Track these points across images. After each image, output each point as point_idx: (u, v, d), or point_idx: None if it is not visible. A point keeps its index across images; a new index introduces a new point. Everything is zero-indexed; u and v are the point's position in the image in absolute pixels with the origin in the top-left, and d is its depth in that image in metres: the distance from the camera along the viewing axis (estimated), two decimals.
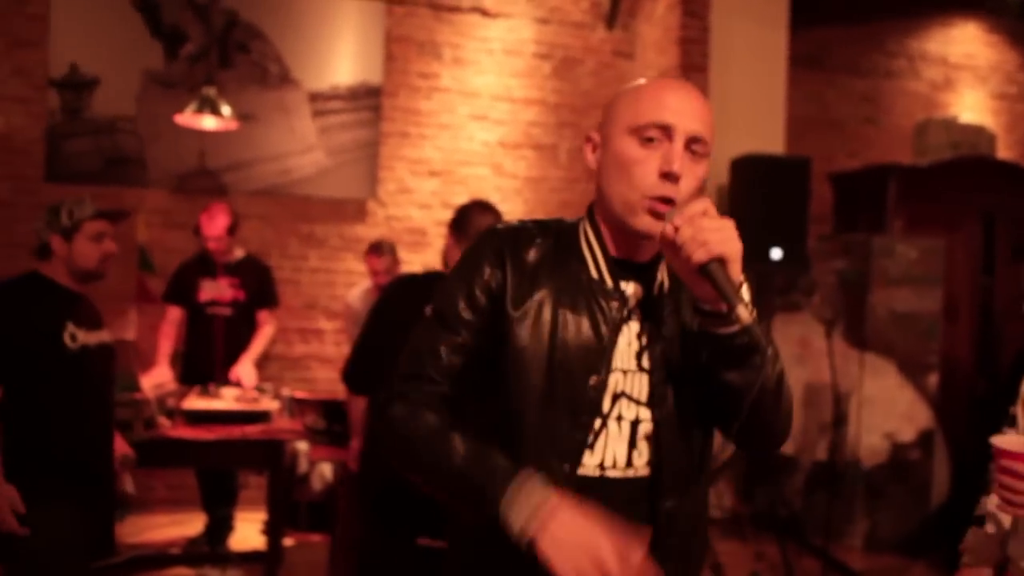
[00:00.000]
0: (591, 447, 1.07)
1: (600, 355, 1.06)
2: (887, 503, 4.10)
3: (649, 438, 1.08)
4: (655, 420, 1.07)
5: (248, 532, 3.78)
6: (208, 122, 3.93)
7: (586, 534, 0.92)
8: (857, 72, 5.81)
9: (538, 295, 1.08)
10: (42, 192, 4.24)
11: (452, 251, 2.36)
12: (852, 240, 4.39)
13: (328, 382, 4.47)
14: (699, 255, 0.93)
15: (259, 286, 3.65)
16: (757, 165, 4.15)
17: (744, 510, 4.14)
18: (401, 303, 2.29)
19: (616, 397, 1.07)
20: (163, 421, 2.95)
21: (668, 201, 1.02)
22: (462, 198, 4.91)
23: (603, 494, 1.04)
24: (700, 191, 1.07)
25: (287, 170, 4.58)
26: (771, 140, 4.55)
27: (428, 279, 2.32)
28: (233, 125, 4.03)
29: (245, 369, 3.51)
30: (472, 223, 2.31)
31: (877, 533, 4.09)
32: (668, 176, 1.02)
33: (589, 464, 1.07)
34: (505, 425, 1.09)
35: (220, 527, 3.66)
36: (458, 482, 1.01)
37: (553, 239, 1.13)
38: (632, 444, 1.07)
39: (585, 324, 1.07)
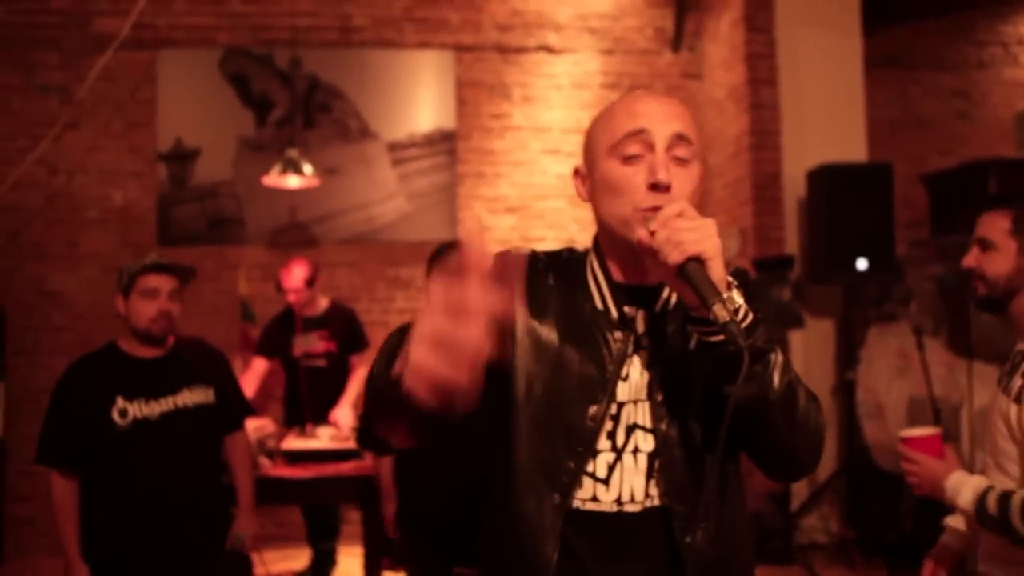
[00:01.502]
0: (607, 482, 1.02)
1: (602, 387, 1.03)
2: None
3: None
4: (659, 448, 1.02)
5: (351, 566, 3.94)
6: (292, 181, 4.22)
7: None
8: (943, 66, 5.54)
9: (545, 324, 1.06)
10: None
11: None
12: (948, 243, 4.16)
13: None
14: (674, 256, 0.90)
15: (348, 333, 3.81)
16: (835, 174, 4.03)
17: (850, 535, 3.94)
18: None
19: (631, 429, 1.03)
20: (264, 461, 3.16)
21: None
22: (540, 232, 5.02)
23: (623, 530, 1.01)
24: (696, 195, 1.03)
25: (371, 218, 4.83)
26: (853, 147, 4.41)
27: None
28: (315, 182, 4.31)
29: (343, 412, 3.67)
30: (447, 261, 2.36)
31: None
32: (656, 187, 0.99)
33: (606, 500, 1.02)
34: (501, 448, 1.07)
35: (324, 561, 3.84)
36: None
37: (563, 269, 1.11)
38: (649, 476, 1.03)
39: (588, 356, 1.04)
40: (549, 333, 1.06)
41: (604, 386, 1.03)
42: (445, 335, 0.69)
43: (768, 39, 4.46)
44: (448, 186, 4.90)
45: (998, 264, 1.56)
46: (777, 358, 0.96)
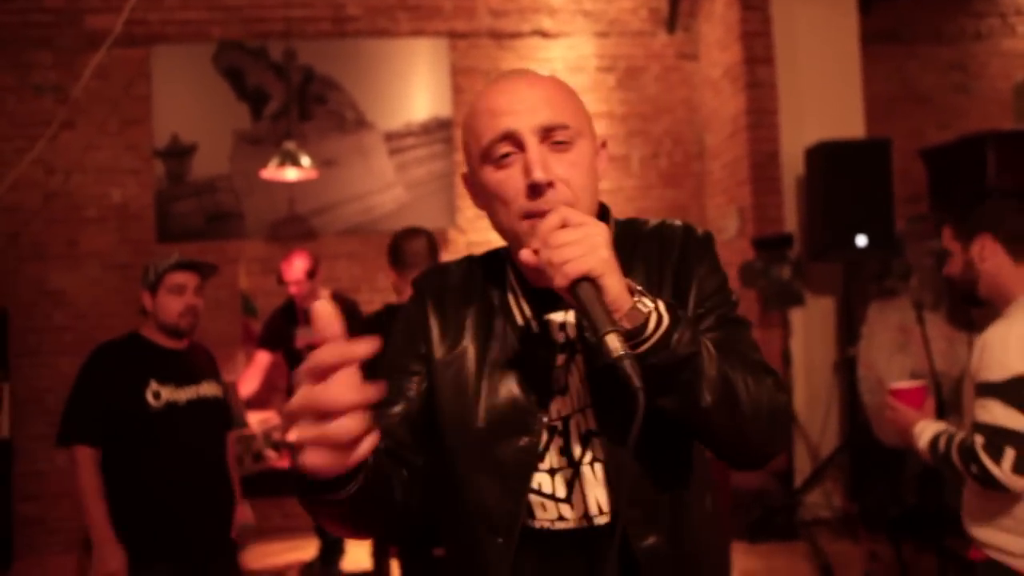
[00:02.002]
0: (569, 501, 0.95)
1: (531, 413, 0.95)
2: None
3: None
4: (608, 454, 0.94)
5: (359, 555, 3.98)
6: (290, 173, 4.22)
7: None
8: (941, 39, 5.50)
9: (463, 346, 0.99)
10: (156, 253, 4.66)
11: (396, 282, 2.45)
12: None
13: None
14: (558, 280, 0.81)
15: (350, 325, 3.82)
16: (833, 151, 4.02)
17: (853, 509, 3.96)
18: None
19: (586, 439, 0.95)
20: (270, 453, 3.18)
21: (543, 213, 0.88)
22: None
23: (596, 545, 0.94)
24: (592, 174, 0.94)
25: (369, 208, 4.83)
26: (851, 124, 4.39)
27: (387, 313, 2.38)
28: (313, 174, 4.31)
29: None
30: (404, 250, 2.41)
31: None
32: (534, 188, 0.89)
33: (572, 517, 0.95)
34: (446, 492, 1.00)
35: (332, 550, 3.87)
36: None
37: (480, 281, 1.03)
38: (609, 484, 0.95)
39: (512, 379, 0.96)
40: (467, 366, 0.98)
41: (533, 411, 0.95)
42: (319, 439, 0.69)
43: (763, 17, 4.44)
44: (446, 174, 4.89)
45: (954, 266, 1.80)
46: (704, 361, 0.85)
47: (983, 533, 1.69)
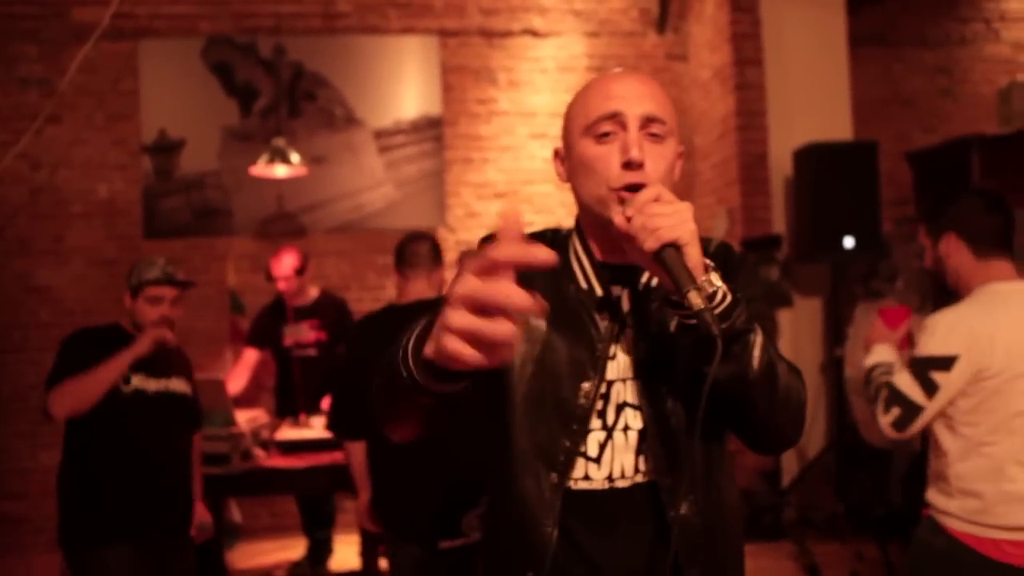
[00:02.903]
0: (598, 461, 1.04)
1: (592, 366, 1.04)
2: None
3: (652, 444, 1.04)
4: (647, 425, 1.04)
5: (347, 554, 3.97)
6: (280, 170, 4.20)
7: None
8: (927, 43, 5.56)
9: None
10: (143, 249, 4.63)
11: (400, 283, 2.49)
12: None
13: None
14: (650, 243, 0.90)
15: (339, 323, 3.80)
16: (821, 153, 4.06)
17: (840, 509, 4.00)
18: (368, 342, 2.30)
19: (620, 408, 1.05)
20: (258, 452, 3.16)
21: (635, 188, 0.98)
22: (528, 217, 5.02)
23: (615, 506, 1.03)
24: (672, 172, 1.05)
25: (359, 206, 4.81)
26: (838, 126, 4.43)
27: (387, 314, 2.41)
28: (303, 171, 4.29)
29: None
30: (407, 252, 2.44)
31: None
32: (629, 164, 1.00)
33: (597, 477, 1.04)
34: (497, 434, 1.08)
35: (320, 549, 3.86)
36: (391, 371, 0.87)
37: (550, 245, 1.08)
38: (639, 452, 1.04)
39: (577, 337, 1.05)
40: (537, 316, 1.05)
41: (594, 365, 1.04)
42: (480, 332, 0.66)
43: (753, 19, 4.47)
44: (435, 172, 4.88)
45: (928, 260, 1.95)
46: (756, 338, 0.96)
47: (928, 491, 1.86)
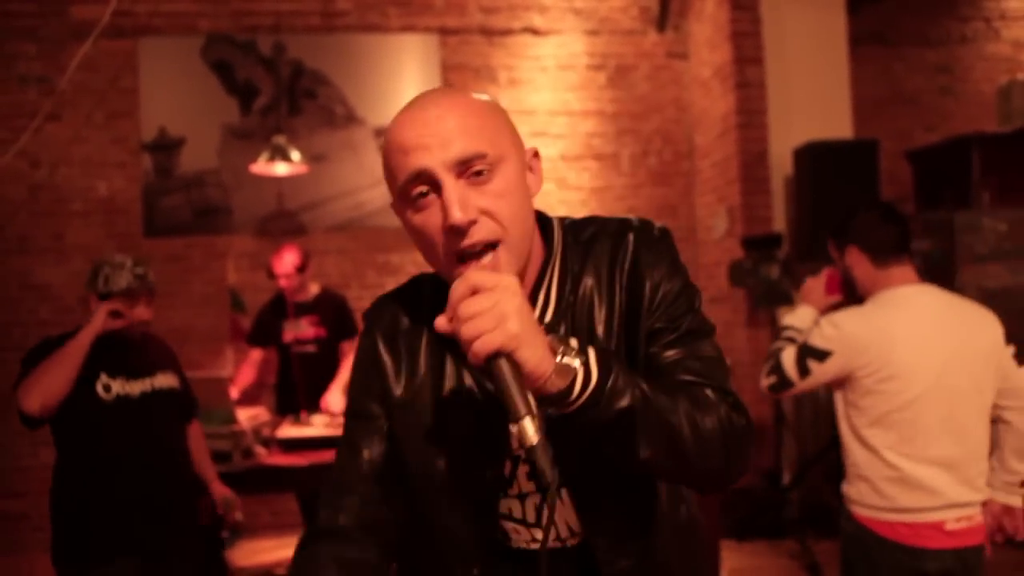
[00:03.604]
0: (539, 525, 0.97)
1: (492, 445, 0.93)
2: None
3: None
4: (567, 482, 0.92)
5: None
6: (280, 168, 4.20)
7: None
8: (927, 42, 5.56)
9: (419, 382, 0.96)
10: (143, 247, 4.62)
11: None
12: (933, 219, 4.20)
13: None
14: (471, 358, 0.75)
15: (338, 319, 3.81)
16: (820, 152, 4.06)
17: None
18: None
19: (553, 464, 0.93)
20: (259, 450, 3.16)
21: (467, 255, 0.85)
22: None
23: (571, 563, 0.97)
24: (519, 195, 0.88)
25: (359, 204, 4.81)
26: (838, 125, 4.43)
27: None
28: (303, 169, 4.29)
29: (334, 398, 3.67)
30: None
31: None
32: (454, 230, 0.83)
33: (545, 539, 0.95)
34: (416, 533, 1.00)
35: None
36: None
37: (429, 307, 0.98)
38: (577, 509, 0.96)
39: (470, 412, 0.93)
40: (424, 404, 0.96)
41: (495, 443, 0.93)
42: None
43: (753, 17, 4.46)
44: None
45: (840, 271, 2.15)
46: (640, 413, 0.80)
47: (842, 482, 2.04)
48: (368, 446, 0.98)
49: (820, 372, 1.95)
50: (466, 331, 0.74)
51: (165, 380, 2.25)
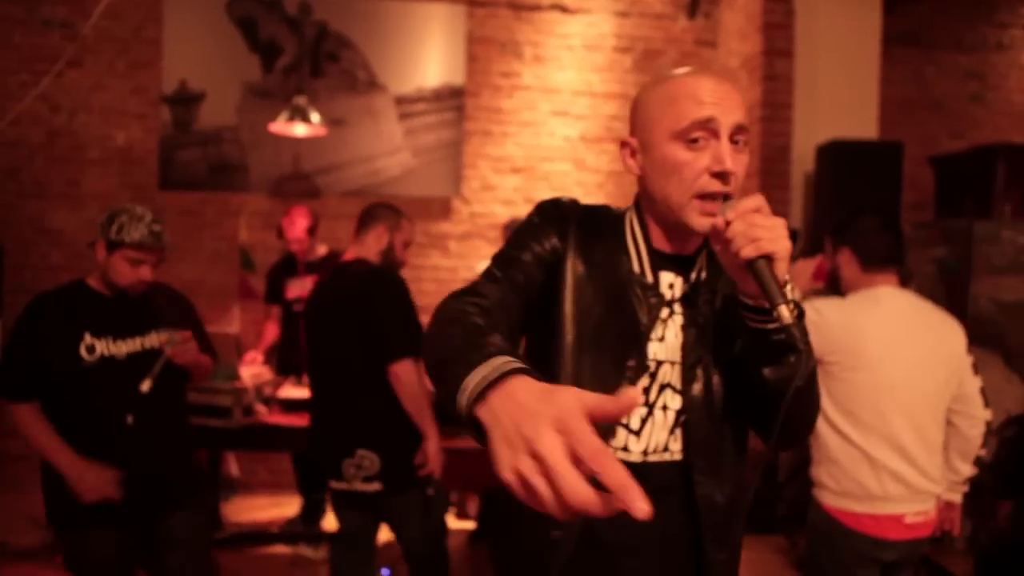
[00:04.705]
0: (638, 434, 1.10)
1: (635, 344, 1.09)
2: (994, 504, 3.86)
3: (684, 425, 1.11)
4: (685, 406, 1.10)
5: None
6: (299, 129, 4.18)
7: (529, 412, 0.64)
8: (961, 47, 5.46)
9: (591, 275, 1.11)
10: (157, 199, 4.63)
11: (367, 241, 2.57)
12: (952, 226, 4.15)
13: None
14: (748, 251, 0.94)
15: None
16: (845, 151, 4.00)
17: None
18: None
19: (663, 388, 1.11)
20: (260, 408, 3.18)
21: (721, 197, 1.03)
22: (544, 194, 4.98)
23: (646, 478, 1.00)
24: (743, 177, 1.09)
25: (375, 171, 4.79)
26: (864, 125, 4.37)
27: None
28: (322, 131, 4.27)
29: None
30: (375, 215, 2.58)
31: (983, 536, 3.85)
32: (722, 176, 1.03)
33: (635, 450, 1.10)
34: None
35: (314, 509, 3.90)
36: (446, 366, 0.81)
37: (601, 226, 1.15)
38: (672, 432, 1.11)
39: (625, 314, 1.10)
40: (593, 285, 1.11)
41: (637, 344, 1.09)
42: (563, 482, 0.60)
43: (787, 9, 4.39)
44: (454, 143, 4.85)
45: (829, 267, 2.25)
46: (808, 350, 1.03)
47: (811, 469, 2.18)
48: (527, 270, 1.11)
49: None
50: (751, 231, 0.94)
51: (160, 339, 2.10)
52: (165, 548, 2.15)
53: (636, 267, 1.12)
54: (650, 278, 1.11)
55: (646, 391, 1.10)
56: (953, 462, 2.12)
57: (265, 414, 3.18)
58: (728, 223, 0.97)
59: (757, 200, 0.97)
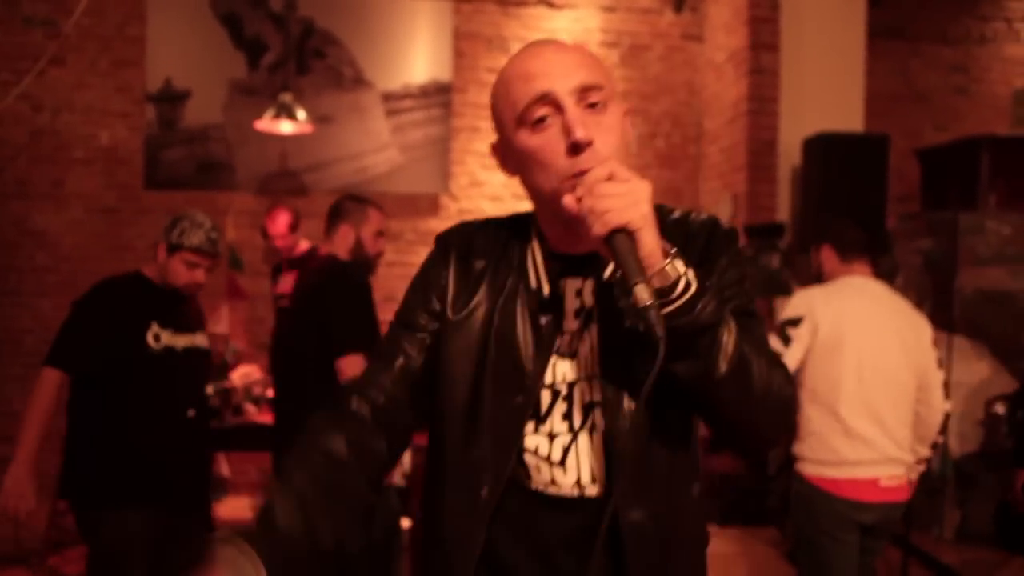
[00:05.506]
0: (563, 464, 0.97)
1: (529, 373, 0.96)
2: (980, 494, 3.91)
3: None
4: (609, 426, 0.95)
5: None
6: (285, 127, 4.16)
7: None
8: (945, 40, 5.50)
9: (474, 308, 1.00)
10: (143, 199, 4.60)
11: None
12: (937, 218, 4.19)
13: None
14: (597, 228, 0.82)
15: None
16: (831, 144, 4.02)
17: None
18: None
19: (588, 408, 0.97)
20: (249, 408, 3.17)
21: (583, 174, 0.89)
22: None
23: (586, 514, 0.96)
24: (624, 137, 0.94)
25: (363, 168, 4.77)
26: (850, 117, 4.39)
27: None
28: (309, 129, 4.25)
29: None
30: (340, 211, 2.56)
31: (969, 525, 3.90)
32: (576, 148, 0.89)
33: (564, 484, 0.96)
34: (432, 449, 1.03)
35: None
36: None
37: (506, 240, 1.03)
38: (607, 455, 0.96)
39: (516, 341, 0.97)
40: (475, 324, 1.00)
41: (533, 372, 0.96)
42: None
43: (772, 3, 4.40)
44: (442, 139, 4.84)
45: (813, 260, 2.54)
46: (724, 333, 0.86)
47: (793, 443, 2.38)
48: (408, 353, 1.03)
49: (798, 337, 2.28)
50: (600, 203, 0.82)
51: (202, 340, 2.34)
52: (174, 549, 2.21)
53: (533, 282, 0.99)
54: (547, 290, 0.98)
55: (566, 416, 0.97)
56: (913, 444, 2.32)
57: (254, 414, 3.18)
58: (579, 200, 0.84)
59: (606, 168, 0.84)
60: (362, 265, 2.51)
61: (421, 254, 4.33)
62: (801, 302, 2.34)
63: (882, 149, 4.03)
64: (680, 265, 0.84)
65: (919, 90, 5.45)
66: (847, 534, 2.26)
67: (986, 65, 5.57)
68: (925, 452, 2.35)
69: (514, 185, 4.55)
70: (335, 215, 2.56)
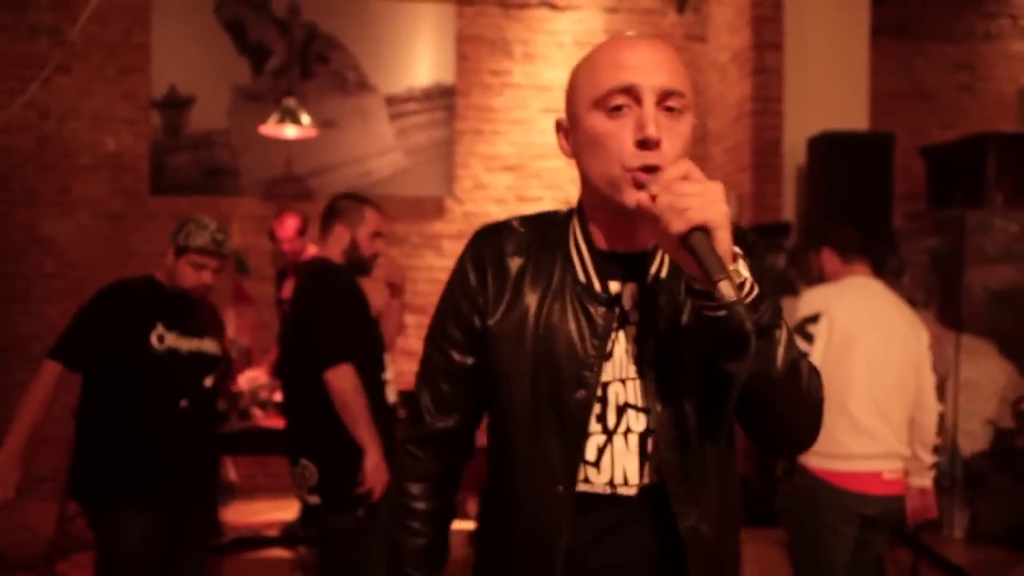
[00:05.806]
0: (597, 465, 0.98)
1: (587, 368, 0.97)
2: (990, 493, 3.88)
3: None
4: (653, 428, 0.96)
5: None
6: (289, 131, 4.17)
7: None
8: (950, 38, 5.48)
9: (521, 307, 1.00)
10: (148, 204, 4.61)
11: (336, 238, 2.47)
12: (944, 216, 4.17)
13: (411, 375, 4.64)
14: (677, 225, 0.82)
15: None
16: (836, 142, 4.01)
17: None
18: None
19: (621, 409, 0.98)
20: (256, 412, 3.18)
21: (652, 170, 0.89)
22: (537, 192, 4.99)
23: (618, 512, 0.98)
24: (687, 150, 0.95)
25: (367, 172, 4.78)
26: (855, 116, 4.37)
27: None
28: (313, 133, 4.26)
29: None
30: (335, 211, 2.48)
31: (980, 525, 3.88)
32: (645, 143, 0.90)
33: (597, 482, 0.98)
34: (499, 448, 1.04)
35: (314, 513, 3.89)
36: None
37: (542, 237, 1.04)
38: (643, 456, 0.97)
39: (570, 336, 0.98)
40: (527, 321, 1.00)
41: (590, 367, 0.97)
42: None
43: (775, 2, 4.39)
44: (446, 142, 4.84)
45: (814, 263, 2.60)
46: (782, 334, 0.90)
47: None
48: (464, 362, 1.06)
49: (819, 333, 2.32)
50: (680, 201, 0.82)
51: (211, 346, 2.32)
52: (180, 549, 2.24)
53: (582, 276, 0.99)
54: (597, 286, 0.99)
55: (600, 418, 0.97)
56: (917, 451, 2.35)
57: (261, 418, 3.18)
58: (654, 198, 0.84)
59: (683, 166, 0.85)
60: (353, 267, 2.40)
61: (426, 258, 4.41)
62: (816, 299, 2.39)
63: (887, 148, 4.01)
64: (745, 268, 0.87)
65: (924, 88, 5.43)
66: (848, 528, 2.30)
67: (991, 62, 5.54)
68: (930, 458, 2.37)
69: (519, 187, 4.58)
70: (330, 215, 2.47)
